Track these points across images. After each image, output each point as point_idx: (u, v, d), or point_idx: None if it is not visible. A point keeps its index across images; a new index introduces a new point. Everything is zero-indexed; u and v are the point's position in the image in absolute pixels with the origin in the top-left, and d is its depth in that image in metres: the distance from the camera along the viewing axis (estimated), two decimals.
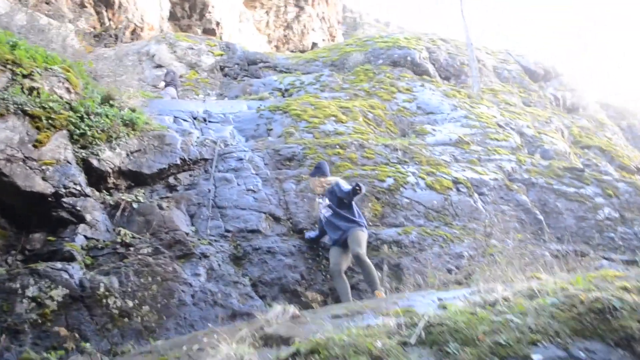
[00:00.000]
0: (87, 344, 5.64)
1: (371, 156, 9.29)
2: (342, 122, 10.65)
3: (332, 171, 8.69)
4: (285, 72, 14.79)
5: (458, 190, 8.96)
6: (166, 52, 15.08)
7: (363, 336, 3.26)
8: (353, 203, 7.09)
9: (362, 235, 6.84)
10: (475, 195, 9.06)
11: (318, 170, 7.53)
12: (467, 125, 12.06)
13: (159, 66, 14.68)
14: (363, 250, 6.69)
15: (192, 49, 15.48)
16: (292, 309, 5.09)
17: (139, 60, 14.69)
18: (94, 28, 16.36)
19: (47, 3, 15.90)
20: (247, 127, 10.36)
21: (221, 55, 15.59)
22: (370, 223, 7.90)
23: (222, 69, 15.11)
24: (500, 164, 10.43)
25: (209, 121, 10.36)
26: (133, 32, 17.79)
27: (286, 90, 13.34)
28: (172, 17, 19.39)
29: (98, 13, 16.95)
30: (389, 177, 8.71)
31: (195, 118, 10.32)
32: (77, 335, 5.76)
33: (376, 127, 11.27)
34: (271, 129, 10.23)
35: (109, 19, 16.85)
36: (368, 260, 6.61)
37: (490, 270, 6.51)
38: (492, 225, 8.44)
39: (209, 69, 14.95)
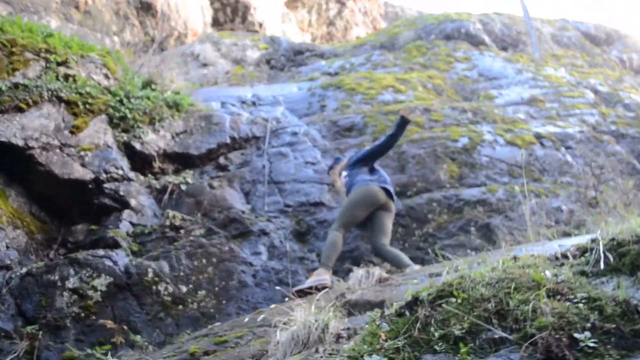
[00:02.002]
0: (138, 337, 4.67)
1: (439, 119, 8.08)
2: (401, 92, 9.47)
3: None
4: (334, 58, 13.74)
5: (542, 144, 7.64)
6: (210, 50, 14.31)
7: (518, 268, 2.12)
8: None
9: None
10: (562, 148, 7.70)
11: (334, 162, 6.40)
12: (536, 87, 10.66)
13: (205, 65, 13.92)
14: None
15: (236, 45, 14.66)
16: (378, 271, 3.97)
17: (184, 62, 13.95)
18: (139, 39, 15.78)
19: (90, 18, 15.42)
20: (299, 107, 9.31)
21: (266, 48, 14.69)
22: (448, 185, 6.69)
23: (268, 62, 14.20)
24: (582, 117, 9.02)
25: (259, 104, 9.36)
26: (177, 39, 17.15)
27: (336, 73, 12.25)
28: (215, 22, 18.72)
29: (141, 23, 16.39)
30: (463, 136, 7.48)
31: (243, 102, 9.35)
32: (125, 327, 4.78)
33: (437, 96, 10.03)
34: (325, 105, 9.15)
35: (153, 28, 16.25)
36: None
37: (605, 218, 5.18)
38: (586, 177, 7.07)
39: (254, 63, 14.08)
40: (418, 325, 1.83)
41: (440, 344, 1.74)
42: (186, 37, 17.10)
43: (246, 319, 3.78)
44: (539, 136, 7.80)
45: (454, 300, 2.01)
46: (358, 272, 4.00)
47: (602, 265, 2.08)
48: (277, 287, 4.28)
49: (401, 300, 3.21)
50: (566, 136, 8.09)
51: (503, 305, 1.90)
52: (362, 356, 1.80)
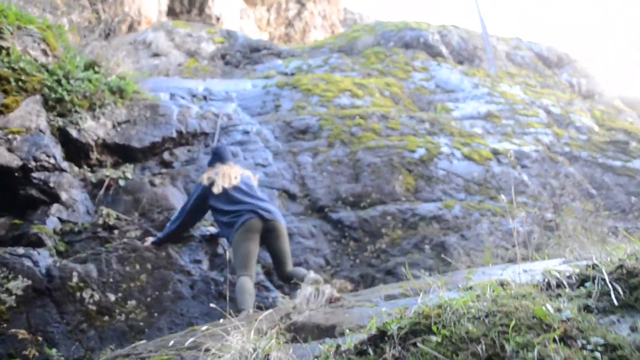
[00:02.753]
0: (54, 350, 4.07)
1: (396, 127, 7.75)
2: (359, 97, 9.11)
3: (353, 142, 7.16)
4: (291, 58, 13.27)
5: (499, 161, 7.42)
6: (164, 40, 13.59)
7: (510, 298, 1.73)
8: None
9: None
10: (518, 167, 7.50)
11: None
12: (492, 102, 10.53)
13: (156, 55, 13.18)
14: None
15: (191, 36, 13.99)
16: (329, 290, 3.54)
17: (135, 50, 13.18)
18: (89, 22, 14.86)
19: None
20: (253, 105, 8.81)
21: (222, 42, 14.07)
22: (403, 198, 6.35)
23: (223, 57, 13.59)
24: (537, 137, 8.91)
25: (210, 99, 8.81)
26: (130, 26, 16.28)
27: (292, 74, 11.79)
28: (171, 12, 17.92)
29: (92, 5, 15.46)
30: (420, 147, 7.17)
31: (194, 96, 8.79)
32: (41, 338, 4.17)
33: (394, 104, 9.73)
34: (279, 105, 8.69)
35: (105, 12, 15.35)
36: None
37: (564, 244, 4.96)
38: (540, 198, 6.89)
39: (209, 57, 13.45)
40: None
41: None
42: (139, 24, 16.27)
43: (173, 340, 3.27)
44: (495, 152, 7.58)
45: (433, 338, 1.62)
46: (306, 290, 3.56)
47: (614, 301, 1.72)
48: (212, 305, 3.78)
49: (359, 330, 2.76)
50: (522, 154, 7.91)
51: (497, 349, 1.51)
52: None
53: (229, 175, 4.93)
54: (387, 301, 3.52)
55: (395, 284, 4.29)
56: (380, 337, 1.77)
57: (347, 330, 2.94)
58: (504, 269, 3.82)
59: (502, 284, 2.09)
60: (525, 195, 6.92)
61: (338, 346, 2.04)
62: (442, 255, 5.65)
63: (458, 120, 8.98)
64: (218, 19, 18.41)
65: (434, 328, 1.64)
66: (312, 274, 4.24)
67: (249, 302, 4.24)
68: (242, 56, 13.77)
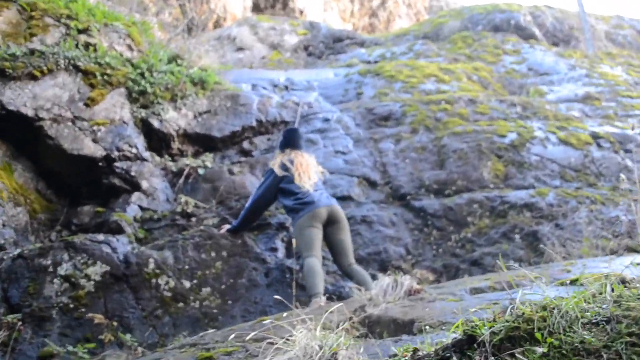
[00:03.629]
0: (128, 336, 4.01)
1: (485, 111, 7.22)
2: (445, 82, 8.62)
3: (438, 128, 6.74)
4: (374, 46, 12.91)
5: (599, 145, 6.71)
6: (247, 34, 13.67)
7: (636, 300, 1.35)
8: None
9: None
10: (621, 152, 6.75)
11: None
12: (590, 84, 9.64)
13: (241, 49, 13.28)
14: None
15: (274, 29, 13.98)
16: (409, 281, 3.22)
17: (220, 45, 13.35)
18: (176, 20, 15.25)
19: None
20: (334, 93, 8.56)
21: (305, 34, 13.95)
22: (492, 185, 5.86)
23: (306, 48, 13.47)
24: None
25: (292, 89, 8.65)
26: (216, 23, 16.56)
27: (375, 62, 11.43)
28: (255, 8, 18.07)
29: (181, 5, 15.85)
30: (511, 132, 6.61)
31: (275, 86, 8.65)
32: (116, 323, 4.15)
33: (483, 89, 9.14)
34: (361, 93, 8.38)
35: (191, 10, 15.70)
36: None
37: None
38: None
39: (292, 49, 13.38)
40: None
41: None
42: (225, 21, 16.52)
43: (244, 329, 3.08)
44: (596, 136, 6.87)
45: (537, 348, 1.26)
46: (384, 281, 3.26)
47: None
48: (277, 297, 3.57)
49: (441, 327, 2.45)
50: (625, 138, 7.12)
51: None
52: None
53: (307, 171, 4.81)
54: (473, 295, 3.16)
55: (482, 276, 3.90)
56: (467, 343, 1.43)
57: (427, 327, 2.62)
58: (607, 261, 3.34)
59: (623, 282, 1.68)
60: (629, 182, 6.19)
61: (415, 350, 1.72)
62: (535, 246, 5.15)
63: (553, 103, 8.27)
64: (301, 12, 18.38)
65: (537, 335, 1.29)
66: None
67: (319, 286, 4.05)
68: (324, 47, 13.58)
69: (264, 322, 2.99)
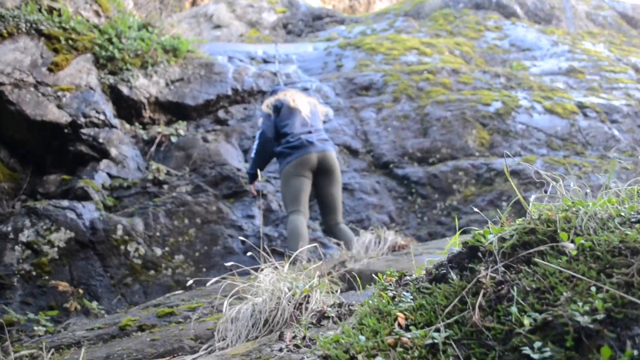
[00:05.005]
0: (94, 303, 3.78)
1: (469, 81, 7.06)
2: (427, 55, 8.44)
3: (420, 97, 6.56)
4: (354, 24, 12.68)
5: (585, 115, 6.60)
6: (225, 11, 13.34)
7: None
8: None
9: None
10: (608, 122, 6.65)
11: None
12: (573, 59, 9.54)
13: (218, 26, 12.95)
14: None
15: (252, 6, 13.65)
16: (393, 236, 3.02)
17: (197, 23, 13.01)
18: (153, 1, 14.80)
19: None
20: (313, 66, 8.33)
21: (284, 12, 13.66)
22: (477, 153, 5.71)
23: (285, 26, 13.19)
24: (627, 92, 7.93)
25: (269, 62, 8.40)
26: (193, 2, 16.18)
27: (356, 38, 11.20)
28: None
29: None
30: (495, 100, 6.46)
31: (252, 59, 8.39)
32: (82, 291, 3.90)
33: (465, 63, 8.98)
34: (341, 65, 8.16)
35: None
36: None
37: None
38: (635, 154, 6.07)
39: (270, 26, 13.08)
40: (481, 298, 0.88)
41: (539, 343, 0.76)
42: (202, 0, 16.13)
43: (211, 283, 2.86)
44: (581, 105, 6.76)
45: (569, 245, 1.05)
46: (365, 236, 3.07)
47: None
48: (250, 253, 3.35)
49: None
50: (611, 109, 7.02)
51: None
52: (352, 357, 0.86)
53: (299, 97, 4.46)
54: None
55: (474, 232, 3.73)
56: (468, 257, 1.21)
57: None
58: None
59: None
60: (616, 150, 6.10)
61: (401, 276, 1.51)
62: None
63: (537, 76, 8.15)
64: None
65: (562, 235, 1.07)
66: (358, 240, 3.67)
67: (301, 247, 3.70)
68: (304, 25, 13.32)
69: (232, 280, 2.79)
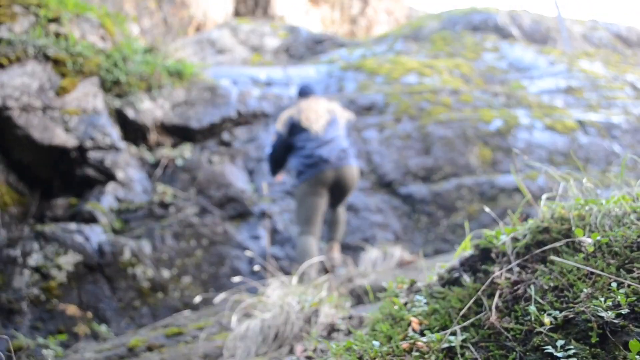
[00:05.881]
0: (103, 327, 3.75)
1: (469, 100, 7.09)
2: (427, 75, 8.48)
3: (422, 117, 6.58)
4: (355, 47, 12.78)
5: (585, 131, 6.60)
6: (228, 36, 13.47)
7: None
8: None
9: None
10: (608, 138, 6.65)
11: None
12: (571, 78, 9.58)
13: (221, 51, 13.06)
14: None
15: (255, 32, 13.80)
16: (399, 251, 3.00)
17: (201, 48, 13.13)
18: (157, 27, 15.02)
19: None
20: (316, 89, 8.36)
21: (285, 37, 13.79)
22: (479, 170, 5.70)
23: (286, 50, 13.31)
24: (625, 109, 7.94)
25: (272, 84, 8.45)
26: (197, 28, 16.34)
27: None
28: (236, 14, 17.91)
29: (161, 9, 15.63)
30: (496, 118, 6.47)
31: (256, 82, 8.45)
32: (91, 315, 3.87)
33: (465, 83, 9.02)
34: (343, 87, 8.20)
35: (173, 15, 15.48)
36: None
37: None
38: (636, 169, 6.05)
39: (273, 51, 13.20)
40: (497, 299, 0.86)
41: (562, 341, 0.74)
42: (205, 26, 16.29)
43: (223, 309, 2.83)
44: (581, 122, 6.76)
45: (587, 240, 1.03)
46: (372, 253, 3.04)
47: None
48: (257, 267, 3.31)
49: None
50: (610, 125, 7.03)
51: None
52: None
53: (315, 111, 4.27)
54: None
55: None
56: (480, 259, 1.19)
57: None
58: None
59: None
60: (617, 165, 6.08)
61: (412, 283, 1.50)
62: None
63: (535, 94, 8.17)
64: (282, 19, 18.24)
65: (578, 232, 1.06)
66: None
67: (309, 263, 3.59)
68: (305, 49, 13.43)
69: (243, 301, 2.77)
